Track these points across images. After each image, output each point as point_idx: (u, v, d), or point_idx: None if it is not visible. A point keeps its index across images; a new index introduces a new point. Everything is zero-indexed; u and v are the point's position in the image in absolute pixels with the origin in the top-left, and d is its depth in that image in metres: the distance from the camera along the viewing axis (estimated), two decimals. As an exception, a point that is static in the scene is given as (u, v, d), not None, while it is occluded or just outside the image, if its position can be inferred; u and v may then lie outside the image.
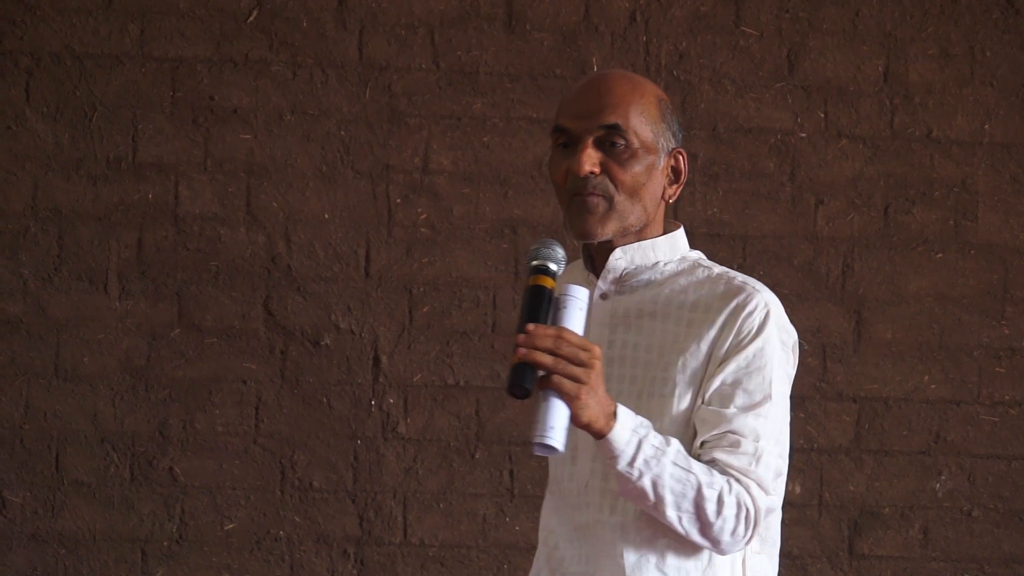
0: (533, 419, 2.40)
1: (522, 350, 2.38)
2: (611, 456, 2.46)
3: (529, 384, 2.38)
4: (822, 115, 4.30)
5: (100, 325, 4.16)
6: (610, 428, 2.45)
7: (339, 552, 4.18)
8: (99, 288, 4.16)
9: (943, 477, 4.29)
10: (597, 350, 2.42)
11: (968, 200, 4.31)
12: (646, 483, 2.48)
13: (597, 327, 2.63)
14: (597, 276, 2.68)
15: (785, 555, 4.24)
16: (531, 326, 2.40)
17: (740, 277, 2.68)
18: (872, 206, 4.30)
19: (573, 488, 2.61)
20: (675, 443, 2.52)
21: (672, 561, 2.58)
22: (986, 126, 4.32)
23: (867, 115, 4.31)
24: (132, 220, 4.17)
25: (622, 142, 2.62)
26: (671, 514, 2.51)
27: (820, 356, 4.27)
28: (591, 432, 2.44)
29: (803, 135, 4.29)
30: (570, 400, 2.40)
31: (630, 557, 2.56)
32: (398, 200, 4.22)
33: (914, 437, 4.29)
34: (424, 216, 4.22)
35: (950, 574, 4.28)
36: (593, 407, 2.43)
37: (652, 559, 2.57)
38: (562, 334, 2.40)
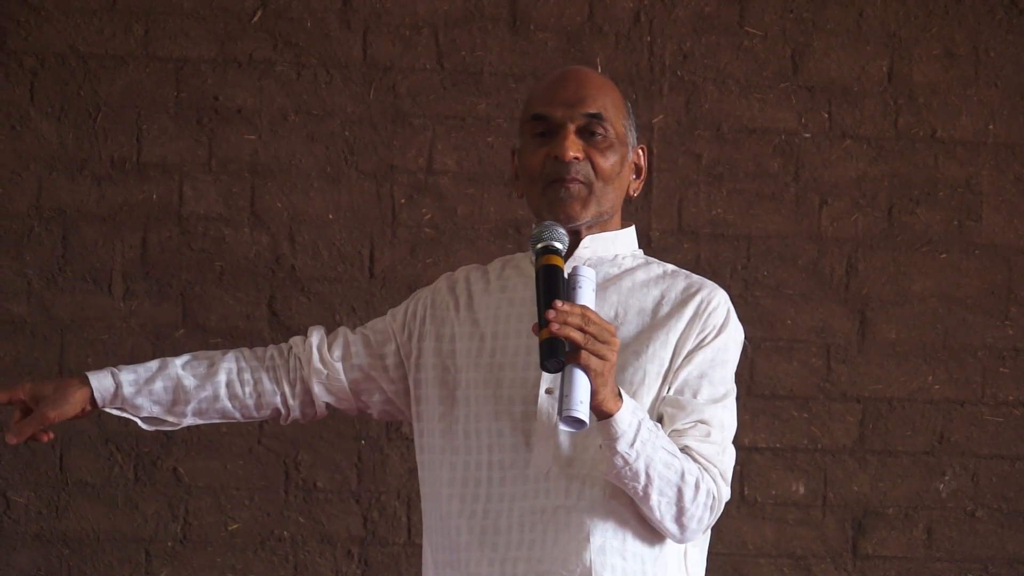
0: (560, 394, 2.44)
1: (555, 325, 2.42)
2: (614, 436, 2.51)
3: (563, 357, 2.42)
4: (826, 115, 4.30)
5: (104, 325, 4.16)
6: (618, 408, 2.50)
7: (343, 552, 4.18)
8: (103, 288, 4.17)
9: (947, 477, 4.29)
10: (614, 329, 2.47)
11: (972, 200, 4.31)
12: (640, 465, 2.53)
13: None
14: None
15: (789, 555, 4.25)
16: (558, 303, 2.44)
17: (695, 275, 2.77)
18: (876, 206, 4.30)
19: (529, 475, 2.63)
20: (661, 428, 2.56)
21: (631, 547, 2.62)
22: (990, 126, 4.32)
23: (871, 115, 4.31)
24: (136, 220, 4.18)
25: (602, 131, 2.69)
26: (654, 498, 2.56)
27: (824, 356, 4.27)
28: (600, 411, 2.49)
29: (807, 135, 4.29)
30: (595, 376, 2.45)
31: (596, 541, 2.60)
32: (402, 200, 4.22)
33: (918, 437, 4.29)
34: (428, 216, 4.22)
35: (954, 574, 4.28)
36: (610, 385, 2.47)
37: (615, 544, 2.61)
38: (586, 312, 2.45)
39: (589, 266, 2.71)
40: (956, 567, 4.28)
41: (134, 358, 4.13)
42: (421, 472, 2.76)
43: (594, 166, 2.69)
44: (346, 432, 4.16)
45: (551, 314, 2.43)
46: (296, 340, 2.89)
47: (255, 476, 4.17)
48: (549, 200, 2.69)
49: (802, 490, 4.26)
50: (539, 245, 2.58)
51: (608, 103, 2.72)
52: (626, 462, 2.52)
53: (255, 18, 4.22)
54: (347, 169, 4.22)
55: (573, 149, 2.67)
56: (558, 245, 2.57)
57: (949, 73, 4.32)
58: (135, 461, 4.16)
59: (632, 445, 2.51)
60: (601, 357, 2.44)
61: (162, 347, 4.15)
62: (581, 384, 2.44)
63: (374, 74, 4.23)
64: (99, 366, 4.10)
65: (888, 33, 4.32)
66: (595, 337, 2.44)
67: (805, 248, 4.28)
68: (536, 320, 2.50)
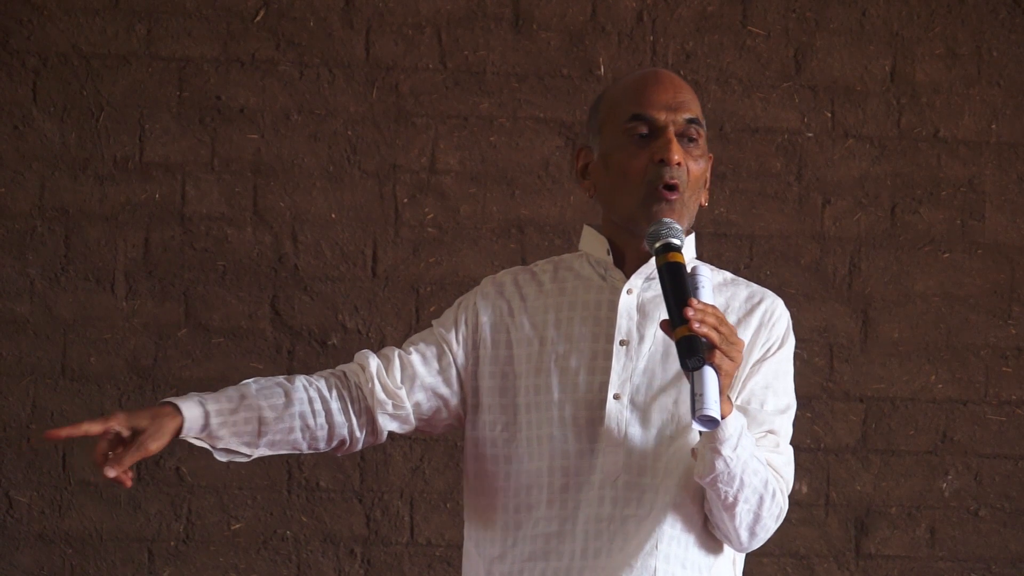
0: (693, 392, 2.42)
1: (695, 323, 2.40)
2: (722, 439, 2.48)
3: (703, 355, 2.42)
4: (829, 115, 4.30)
5: (107, 325, 4.16)
6: (729, 411, 2.48)
7: (346, 552, 4.18)
8: (106, 288, 4.17)
9: (950, 477, 4.29)
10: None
11: (975, 200, 4.31)
12: (738, 470, 2.51)
13: (625, 321, 2.63)
14: (623, 270, 2.69)
15: (792, 555, 4.25)
16: (695, 301, 2.43)
17: (752, 283, 2.75)
18: (879, 206, 4.30)
19: (595, 482, 2.59)
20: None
21: (692, 556, 2.61)
22: (993, 126, 4.32)
23: (874, 115, 4.31)
24: (139, 220, 4.18)
25: (697, 137, 2.66)
26: (740, 505, 2.54)
27: (827, 356, 4.27)
28: None
29: (810, 135, 4.29)
30: (724, 376, 2.43)
31: (663, 549, 2.57)
32: (405, 200, 4.22)
33: (921, 437, 4.29)
34: (431, 216, 4.22)
35: (957, 574, 4.28)
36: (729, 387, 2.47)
37: (679, 553, 2.59)
38: (717, 312, 2.44)
39: (653, 273, 2.68)
40: (959, 567, 4.27)
41: (136, 358, 4.13)
42: (475, 482, 2.70)
43: (688, 173, 2.65)
44: (349, 431, 4.16)
45: (690, 312, 2.41)
46: (353, 368, 2.75)
47: (258, 475, 4.17)
48: (649, 211, 2.63)
49: (805, 489, 4.25)
50: (658, 243, 2.53)
51: (699, 110, 2.69)
52: (727, 466, 2.49)
53: (258, 17, 4.22)
54: (350, 168, 4.22)
55: (679, 154, 2.63)
56: (676, 242, 2.53)
57: (952, 72, 4.32)
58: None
59: (735, 449, 2.49)
60: (731, 358, 2.43)
61: (164, 347, 4.15)
62: (713, 383, 2.42)
63: (377, 73, 4.23)
64: (102, 365, 4.13)
65: (891, 32, 4.32)
66: (727, 338, 2.43)
67: (808, 247, 4.28)
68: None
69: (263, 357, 4.16)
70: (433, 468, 4.19)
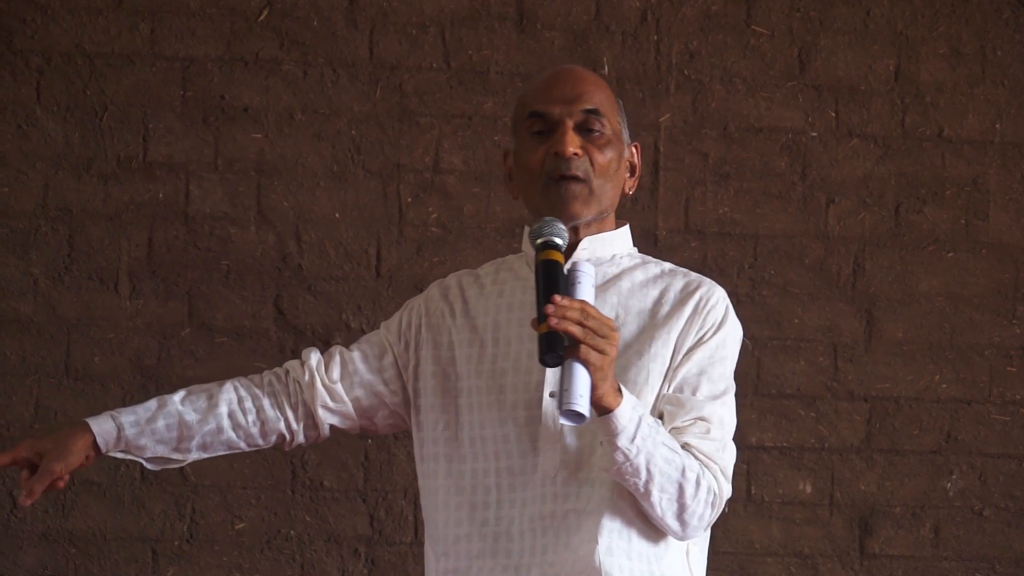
0: (560, 388, 2.45)
1: (553, 320, 2.43)
2: (614, 432, 2.51)
3: (562, 352, 2.44)
4: (833, 114, 4.30)
5: (110, 324, 4.16)
6: (618, 403, 2.50)
7: (350, 551, 4.18)
8: (109, 287, 4.17)
9: (954, 476, 4.29)
10: (613, 323, 2.49)
11: (979, 199, 4.31)
12: (641, 461, 2.54)
13: None
14: None
15: (796, 554, 4.25)
16: (557, 297, 2.46)
17: (692, 273, 2.77)
18: (883, 205, 4.30)
19: (537, 479, 2.64)
20: (662, 424, 2.58)
21: (637, 547, 2.63)
22: (997, 125, 4.32)
23: (878, 114, 4.30)
24: (142, 219, 4.18)
25: (599, 127, 2.70)
26: (655, 495, 2.57)
27: (831, 355, 4.27)
28: (600, 406, 2.50)
29: (814, 134, 4.29)
30: (594, 370, 2.46)
31: (603, 542, 2.60)
32: (409, 199, 4.22)
33: (925, 436, 4.29)
34: (435, 215, 4.22)
35: (961, 574, 4.28)
36: (609, 380, 2.49)
37: (622, 544, 2.62)
38: (585, 307, 2.46)
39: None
40: (963, 566, 4.27)
41: (140, 357, 4.14)
42: (422, 481, 2.76)
43: (592, 162, 2.69)
44: (352, 431, 4.16)
45: (550, 308, 2.44)
46: (293, 364, 2.86)
47: (262, 475, 4.17)
48: (551, 200, 2.69)
49: (809, 489, 4.25)
50: (539, 240, 2.58)
51: (603, 99, 2.73)
52: (627, 458, 2.53)
53: (261, 17, 4.22)
54: (353, 168, 4.22)
55: (573, 145, 2.67)
56: (558, 240, 2.58)
57: (956, 72, 4.32)
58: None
59: (632, 440, 2.52)
60: (600, 351, 2.45)
61: (168, 346, 4.15)
62: (581, 378, 2.45)
63: (380, 73, 4.23)
64: (106, 365, 4.14)
65: (895, 32, 4.32)
66: (594, 331, 2.45)
67: (812, 247, 4.28)
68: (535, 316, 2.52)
69: (267, 357, 4.16)
70: (437, 468, 4.19)
